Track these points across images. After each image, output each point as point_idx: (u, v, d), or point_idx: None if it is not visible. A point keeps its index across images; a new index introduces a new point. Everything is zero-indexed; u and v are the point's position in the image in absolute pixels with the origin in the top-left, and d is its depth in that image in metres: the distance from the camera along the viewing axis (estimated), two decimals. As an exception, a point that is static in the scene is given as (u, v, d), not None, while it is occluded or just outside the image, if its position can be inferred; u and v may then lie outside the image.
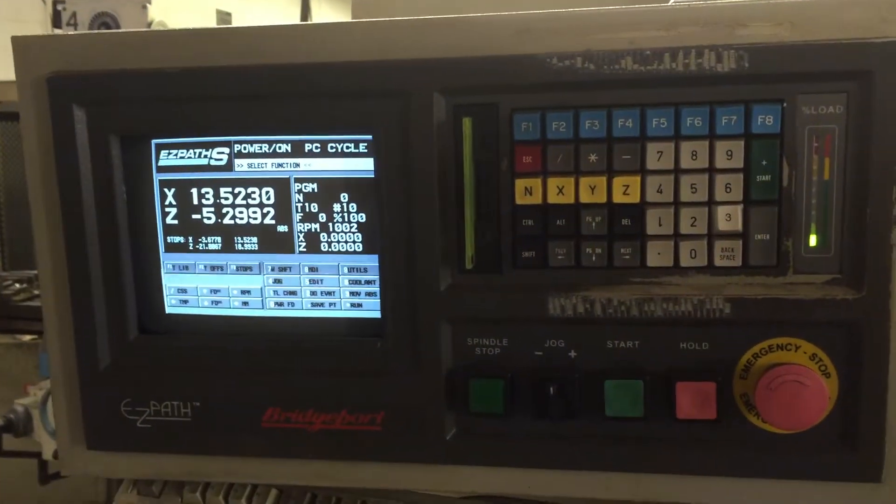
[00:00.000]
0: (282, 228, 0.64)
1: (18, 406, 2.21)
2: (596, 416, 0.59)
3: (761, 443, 0.58)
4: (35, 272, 2.75)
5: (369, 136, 0.61)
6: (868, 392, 0.56)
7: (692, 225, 0.56)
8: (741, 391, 0.58)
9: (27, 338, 2.69)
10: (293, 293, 0.65)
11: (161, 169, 0.65)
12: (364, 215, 0.62)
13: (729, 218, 0.56)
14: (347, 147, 0.62)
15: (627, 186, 0.56)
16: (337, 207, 0.63)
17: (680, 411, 0.57)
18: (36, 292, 2.57)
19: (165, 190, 0.65)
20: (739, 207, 0.56)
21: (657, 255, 0.57)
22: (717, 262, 0.56)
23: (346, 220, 0.63)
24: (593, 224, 0.57)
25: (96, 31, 0.62)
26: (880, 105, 0.53)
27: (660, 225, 0.57)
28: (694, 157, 0.55)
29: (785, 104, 0.54)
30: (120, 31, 0.61)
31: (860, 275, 0.55)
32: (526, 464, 0.61)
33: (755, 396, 0.56)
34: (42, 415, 2.09)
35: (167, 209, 0.65)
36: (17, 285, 2.65)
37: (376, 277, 0.63)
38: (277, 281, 0.65)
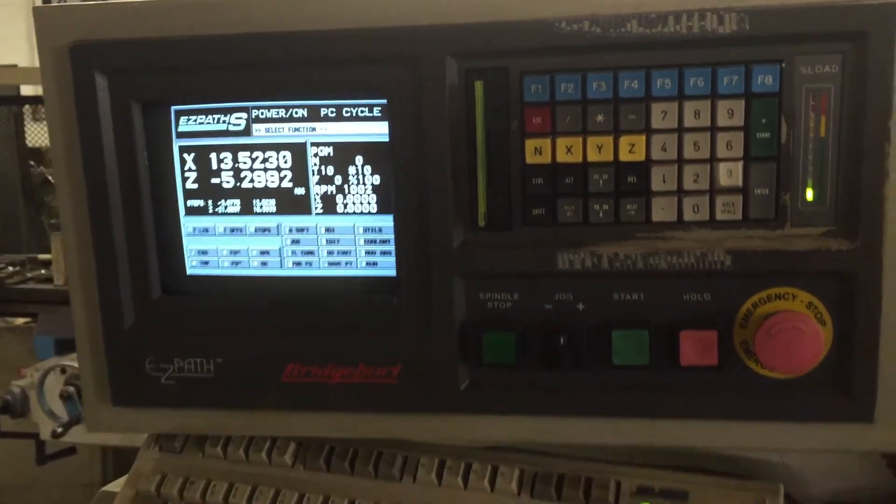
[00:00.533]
0: (299, 191, 0.66)
1: (15, 388, 2.24)
2: (604, 365, 0.62)
3: (760, 387, 0.61)
4: (27, 256, 2.75)
5: (383, 101, 0.63)
6: (861, 338, 0.59)
7: (695, 181, 0.59)
8: (741, 339, 0.61)
9: (20, 321, 2.70)
10: (310, 253, 0.67)
11: (181, 135, 0.67)
12: (378, 177, 0.65)
13: (730, 174, 0.58)
14: (362, 111, 0.64)
15: (633, 145, 0.59)
16: (352, 170, 0.65)
17: (683, 359, 0.60)
18: (29, 275, 2.59)
19: (185, 155, 0.67)
20: (740, 164, 0.58)
21: (661, 211, 0.60)
22: (719, 216, 0.59)
23: (361, 182, 0.65)
24: (600, 182, 0.60)
25: (117, 1, 0.64)
26: (874, 65, 0.55)
27: (664, 181, 0.59)
28: (696, 116, 0.58)
29: (783, 64, 0.57)
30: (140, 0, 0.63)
31: (854, 227, 0.58)
32: (537, 412, 0.64)
33: (754, 343, 0.59)
34: (39, 396, 2.12)
35: (187, 174, 0.67)
36: (11, 268, 2.66)
37: (391, 237, 0.65)
38: (295, 242, 0.67)
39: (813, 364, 0.59)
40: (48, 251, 2.80)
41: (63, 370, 2.10)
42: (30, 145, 3.84)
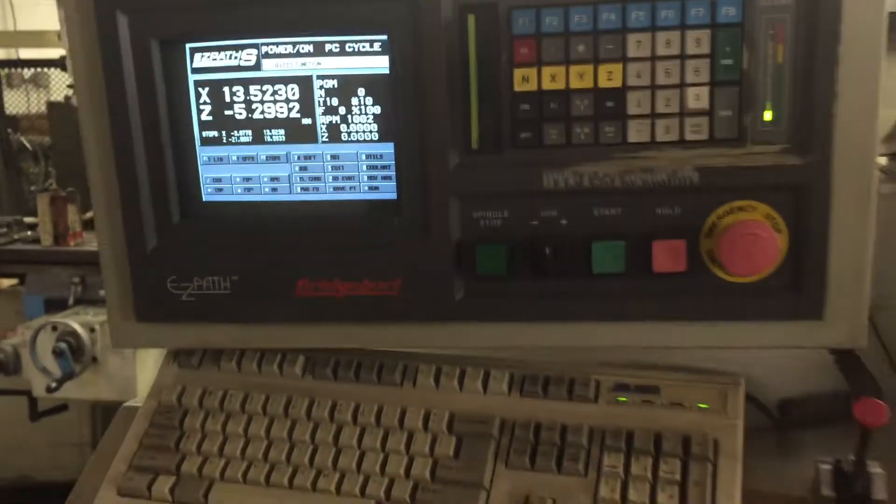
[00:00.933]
0: (306, 121, 0.72)
1: (7, 346, 2.28)
2: (585, 274, 0.69)
3: (724, 291, 0.68)
4: (13, 218, 2.77)
5: (384, 36, 0.69)
6: (813, 244, 0.66)
7: (666, 105, 0.66)
8: (707, 248, 0.68)
9: (6, 284, 2.73)
10: (317, 179, 0.73)
11: (196, 70, 0.72)
12: (380, 107, 0.71)
13: (697, 98, 0.65)
14: (364, 46, 0.70)
15: (611, 73, 0.66)
16: (355, 101, 0.71)
17: (656, 266, 0.68)
18: (16, 237, 2.62)
19: (200, 89, 0.73)
20: (706, 88, 0.65)
21: (636, 132, 0.66)
22: (688, 136, 0.66)
23: (364, 112, 0.71)
24: (582, 106, 0.67)
25: (136, -56, 0.69)
26: (824, -3, 0.62)
27: (639, 105, 0.66)
28: (668, 45, 0.65)
29: (745, -2, 0.64)
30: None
31: (807, 144, 0.65)
32: (526, 318, 0.72)
33: (719, 250, 0.66)
34: (32, 353, 2.17)
35: (202, 107, 0.73)
36: (-2, 230, 2.68)
37: (392, 163, 0.72)
38: (303, 168, 0.73)
39: (770, 267, 0.66)
40: (29, 214, 2.83)
41: (54, 327, 2.15)
42: (7, 112, 3.83)
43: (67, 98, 2.48)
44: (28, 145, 4.18)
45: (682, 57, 0.65)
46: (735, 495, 0.64)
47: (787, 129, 0.65)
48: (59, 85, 4.10)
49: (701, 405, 0.70)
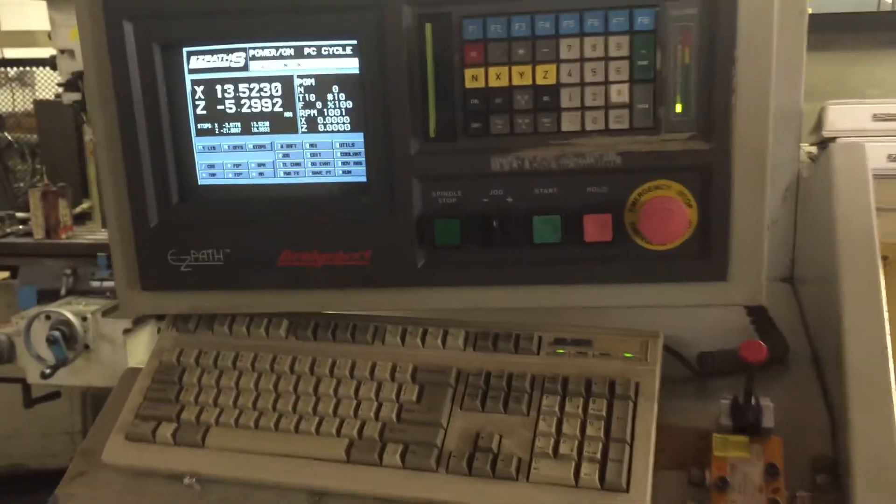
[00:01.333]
0: (287, 114, 0.84)
1: (1, 335, 2.37)
2: (527, 243, 0.81)
3: (645, 257, 0.80)
4: (5, 212, 2.86)
5: (354, 41, 0.81)
6: (717, 216, 0.78)
7: (593, 99, 0.78)
8: (630, 220, 0.80)
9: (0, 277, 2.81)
10: (298, 164, 0.85)
11: (192, 70, 0.84)
12: (351, 102, 0.82)
13: (619, 93, 0.77)
14: (337, 50, 0.82)
15: (546, 72, 0.77)
16: (330, 97, 0.83)
17: (587, 236, 0.80)
18: (9, 230, 2.71)
19: (195, 87, 0.84)
20: (626, 85, 0.77)
21: (569, 123, 0.78)
22: (612, 125, 0.78)
23: (338, 106, 0.83)
24: (522, 101, 0.78)
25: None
26: (722, 8, 0.74)
27: (570, 100, 0.78)
28: (594, 49, 0.77)
29: (657, 8, 0.76)
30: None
31: (710, 132, 0.77)
32: (478, 283, 0.83)
33: (639, 222, 0.78)
34: (26, 341, 2.26)
35: (197, 102, 0.84)
36: (-10, 225, 2.77)
37: (362, 150, 0.83)
38: (286, 155, 0.85)
39: (682, 237, 0.78)
40: (18, 211, 2.92)
41: (48, 316, 2.24)
42: (-8, 111, 3.91)
43: (58, 96, 2.57)
44: (15, 143, 4.26)
45: (606, 59, 0.77)
46: (651, 427, 0.76)
47: (695, 120, 0.77)
48: (45, 83, 4.18)
49: (626, 354, 0.82)
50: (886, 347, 0.75)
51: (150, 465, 0.85)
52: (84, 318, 2.22)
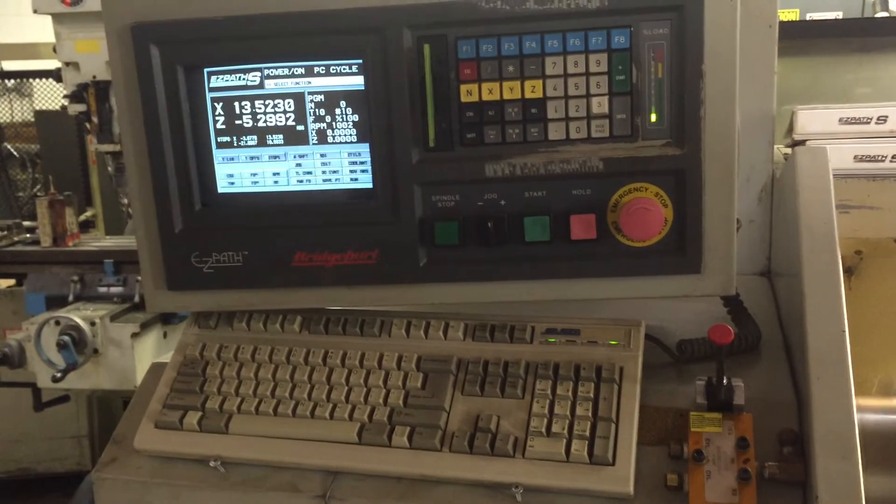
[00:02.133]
0: (300, 127, 0.92)
1: (12, 341, 2.44)
2: (519, 242, 0.89)
3: (626, 253, 0.89)
4: (13, 221, 2.92)
5: (359, 60, 0.89)
6: (691, 214, 0.86)
7: (576, 110, 0.86)
8: (612, 220, 0.88)
9: (5, 285, 2.88)
10: (309, 173, 0.93)
11: (212, 89, 0.92)
12: (358, 116, 0.91)
13: (599, 105, 0.86)
14: (344, 68, 0.90)
15: (534, 87, 0.86)
16: (338, 111, 0.91)
17: (573, 235, 0.88)
18: (16, 239, 2.78)
19: (215, 104, 0.92)
20: (606, 97, 0.85)
21: (555, 132, 0.87)
22: (594, 134, 0.86)
23: (345, 119, 0.91)
24: (513, 113, 0.87)
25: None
26: (690, 28, 0.83)
27: (556, 112, 0.86)
28: (576, 66, 0.85)
29: (632, 28, 0.84)
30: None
31: (682, 138, 0.85)
32: (475, 279, 0.91)
33: (620, 221, 0.86)
34: (37, 346, 2.33)
35: (217, 117, 0.92)
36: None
37: (368, 159, 0.91)
38: (298, 165, 0.93)
39: (659, 233, 0.87)
40: (22, 219, 2.99)
41: (57, 322, 2.31)
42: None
43: (64, 108, 2.64)
44: (15, 153, 4.33)
45: (587, 74, 0.85)
46: (634, 407, 0.85)
47: (668, 128, 0.86)
48: (43, 94, 4.25)
49: (612, 342, 0.90)
50: (844, 332, 0.83)
51: (178, 450, 0.93)
52: (93, 323, 2.29)
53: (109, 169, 2.61)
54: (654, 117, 0.86)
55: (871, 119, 1.07)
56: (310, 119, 0.91)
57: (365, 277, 0.93)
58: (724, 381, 0.84)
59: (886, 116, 1.07)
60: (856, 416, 0.79)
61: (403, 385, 0.91)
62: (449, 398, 0.89)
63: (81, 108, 2.56)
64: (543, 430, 0.84)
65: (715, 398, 0.84)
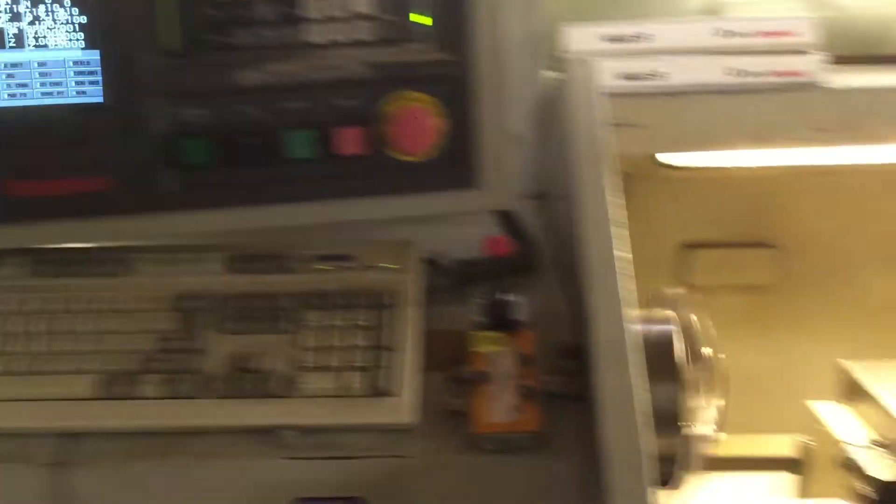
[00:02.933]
0: (12, 30, 0.76)
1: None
2: (281, 161, 0.80)
3: (398, 168, 0.82)
4: None
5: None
6: (464, 126, 0.81)
7: (340, 10, 0.77)
8: (381, 132, 0.81)
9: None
10: (25, 85, 0.78)
11: None
12: (85, 18, 0.76)
13: (366, 4, 0.78)
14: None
15: None
16: (61, 10, 0.76)
17: (340, 149, 0.80)
18: None
19: None
20: (375, -5, 0.78)
21: (318, 35, 0.78)
22: (360, 37, 0.78)
23: (70, 22, 0.76)
24: (268, 13, 0.77)
25: None
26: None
27: (318, 11, 0.77)
28: (335, -39, 0.76)
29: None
30: None
31: (455, 44, 0.79)
32: (232, 204, 0.81)
33: (390, 133, 0.80)
34: None
35: None
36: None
37: (98, 69, 0.78)
38: (10, 76, 0.77)
39: (432, 146, 0.81)
40: None
41: None
42: None
43: None
44: None
45: (351, -21, 0.77)
46: (416, 333, 0.79)
47: (440, 32, 0.79)
48: None
49: (388, 266, 0.84)
50: (612, 248, 0.82)
51: None
52: None
53: None
54: (426, 20, 0.79)
55: (637, 37, 1.07)
56: (26, 21, 0.76)
57: (99, 208, 0.79)
58: (505, 297, 0.80)
59: (651, 35, 1.07)
60: (629, 326, 0.79)
61: (155, 328, 0.80)
62: (208, 339, 0.79)
63: None
64: (318, 365, 0.77)
65: (495, 315, 0.80)
